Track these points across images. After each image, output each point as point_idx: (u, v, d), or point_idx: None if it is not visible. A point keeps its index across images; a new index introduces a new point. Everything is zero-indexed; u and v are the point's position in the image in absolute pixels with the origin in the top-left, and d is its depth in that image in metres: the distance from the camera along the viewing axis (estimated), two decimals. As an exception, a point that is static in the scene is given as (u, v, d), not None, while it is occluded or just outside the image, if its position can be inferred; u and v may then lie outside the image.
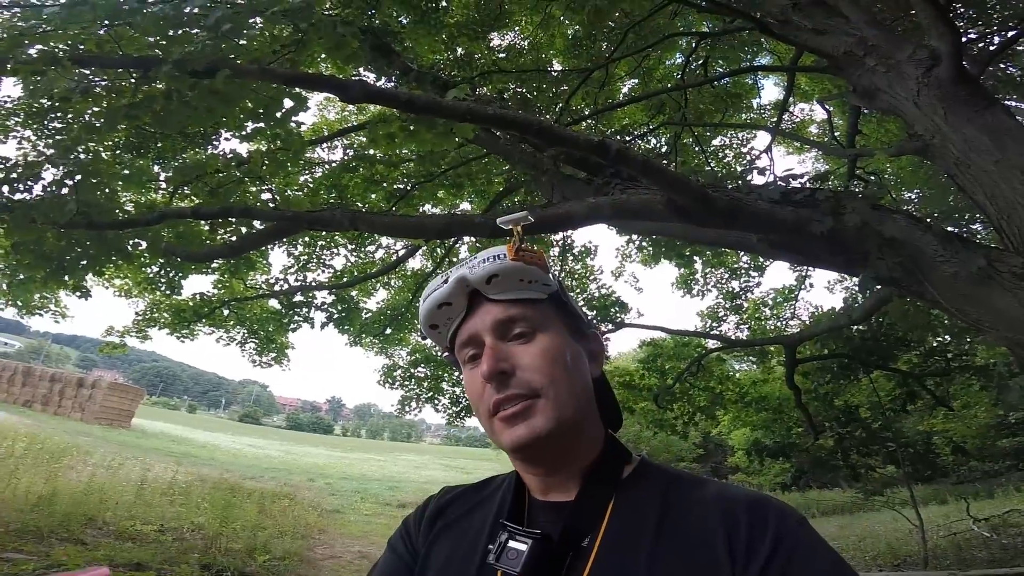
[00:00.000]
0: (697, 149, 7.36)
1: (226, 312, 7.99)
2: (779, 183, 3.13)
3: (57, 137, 5.74)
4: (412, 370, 9.35)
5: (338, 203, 6.52)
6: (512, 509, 0.68)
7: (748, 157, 7.70)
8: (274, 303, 8.20)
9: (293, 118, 3.28)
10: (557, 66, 6.95)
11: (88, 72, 3.75)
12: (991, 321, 2.66)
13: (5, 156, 4.77)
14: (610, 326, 7.46)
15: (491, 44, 6.82)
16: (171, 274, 6.46)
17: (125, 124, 3.72)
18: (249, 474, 13.64)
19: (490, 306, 0.67)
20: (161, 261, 6.08)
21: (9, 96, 5.60)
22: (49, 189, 3.94)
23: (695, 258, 7.74)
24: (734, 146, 8.11)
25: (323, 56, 5.66)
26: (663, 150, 7.24)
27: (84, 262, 4.02)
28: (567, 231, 7.22)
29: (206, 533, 5.85)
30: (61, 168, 3.93)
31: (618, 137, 7.31)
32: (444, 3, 5.90)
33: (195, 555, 4.94)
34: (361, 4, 5.28)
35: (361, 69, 5.66)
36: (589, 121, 6.64)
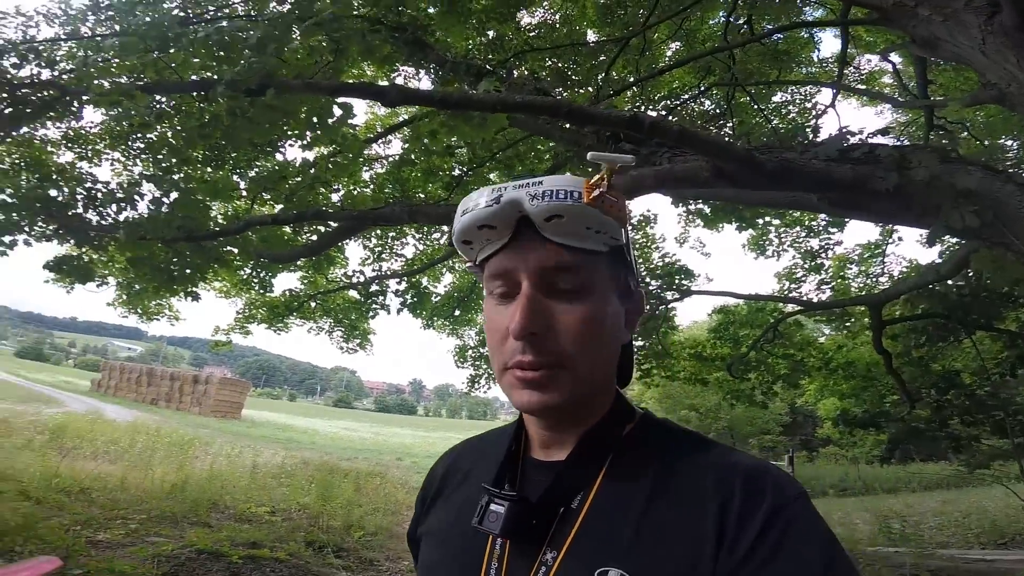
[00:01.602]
0: (756, 108, 6.93)
1: (313, 304, 8.69)
2: (836, 141, 2.97)
3: (143, 157, 6.50)
4: (481, 349, 9.66)
5: (400, 196, 6.85)
6: (501, 470, 0.64)
7: (814, 113, 7.15)
8: (354, 293, 8.80)
9: (345, 123, 3.51)
10: (593, 37, 6.78)
11: (158, 98, 4.23)
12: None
13: (103, 180, 5.48)
14: (675, 295, 7.29)
15: (521, 24, 6.76)
16: (262, 274, 7.12)
17: (200, 142, 4.15)
18: (345, 456, 14.70)
19: (540, 245, 0.57)
20: (252, 264, 6.72)
21: (92, 121, 6.37)
22: (151, 208, 4.50)
23: (766, 218, 7.33)
24: (797, 102, 7.54)
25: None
26: (716, 111, 6.89)
27: (189, 271, 4.57)
28: None
29: (310, 512, 6.43)
30: (157, 188, 4.47)
31: (667, 102, 7.04)
32: None
33: (301, 533, 5.44)
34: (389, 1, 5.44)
35: (399, 65, 5.84)
36: (634, 89, 6.44)
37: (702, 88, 6.77)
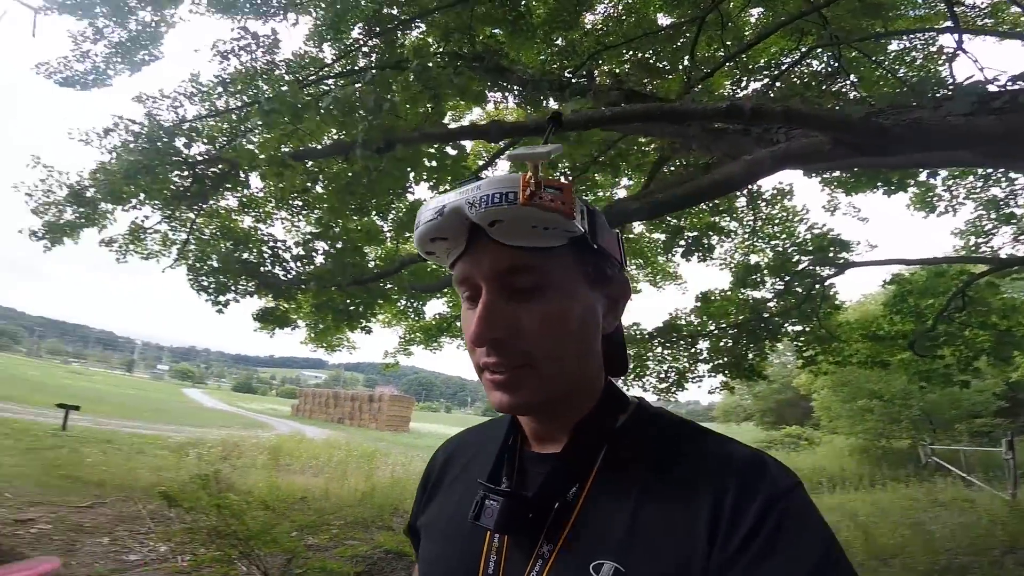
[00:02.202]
0: (872, 61, 5.98)
1: (459, 324, 9.50)
2: (968, 93, 2.58)
3: (303, 213, 7.73)
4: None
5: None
6: (497, 464, 0.65)
7: (944, 57, 5.96)
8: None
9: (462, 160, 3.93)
10: (665, 21, 6.44)
11: (308, 163, 5.08)
12: None
13: (280, 238, 6.69)
14: (831, 271, 6.55)
15: (587, 25, 6.64)
16: (415, 304, 8.02)
17: (348, 198, 4.89)
18: None
19: (492, 248, 0.56)
20: (406, 296, 7.61)
21: (258, 187, 7.71)
22: (325, 261, 5.40)
23: (921, 177, 6.28)
24: (919, 47, 6.35)
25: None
26: (828, 70, 6.09)
27: (362, 309, 5.39)
28: (733, 192, 6.66)
29: None
30: (323, 240, 5.35)
31: (768, 71, 6.40)
32: (524, 6, 5.97)
33: None
34: (459, 33, 5.76)
35: (487, 92, 6.16)
36: (727, 66, 5.98)
37: (803, 50, 6.06)
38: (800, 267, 7.09)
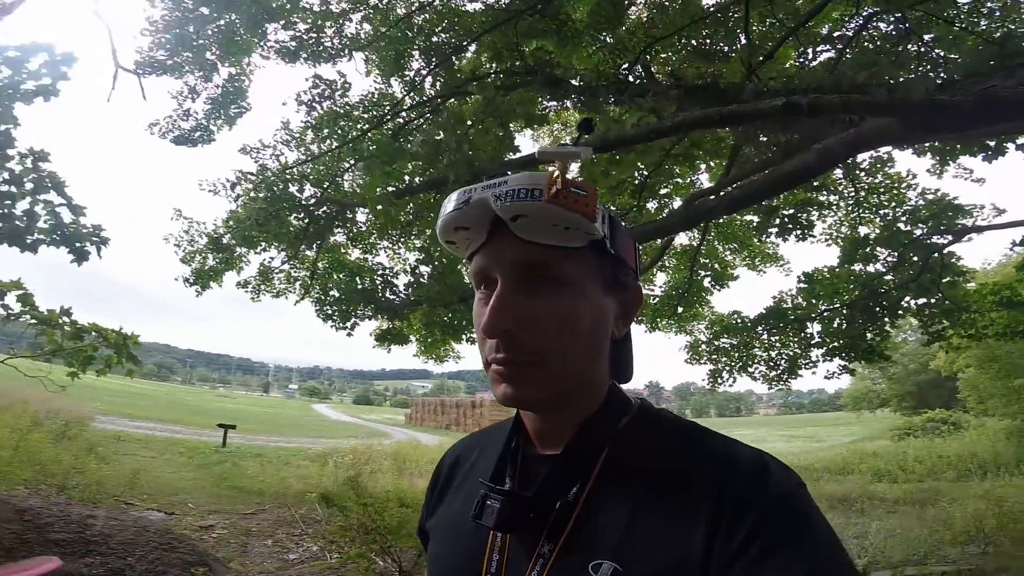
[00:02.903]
0: (941, 19, 5.28)
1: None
2: None
3: (403, 240, 8.51)
4: (716, 342, 9.33)
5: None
6: (500, 464, 0.65)
7: None
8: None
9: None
10: (711, 1, 6.17)
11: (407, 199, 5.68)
12: None
13: (388, 265, 7.48)
14: (949, 237, 5.95)
15: (632, 20, 6.49)
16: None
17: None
18: None
19: (513, 242, 0.57)
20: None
21: (363, 222, 8.52)
22: (432, 283, 6.00)
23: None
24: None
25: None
26: (898, 32, 5.47)
27: (465, 323, 5.94)
28: (807, 182, 6.23)
29: None
30: (427, 265, 5.94)
31: (834, 40, 5.89)
32: (565, 12, 5.98)
33: None
34: (509, 51, 5.93)
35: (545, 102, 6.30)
36: (790, 41, 5.60)
37: (864, 13, 5.48)
38: (915, 236, 6.51)
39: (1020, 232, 6.25)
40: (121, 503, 5.20)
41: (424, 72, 6.99)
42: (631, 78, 5.84)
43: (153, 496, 6.02)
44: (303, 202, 7.38)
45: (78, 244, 3.51)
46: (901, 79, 4.32)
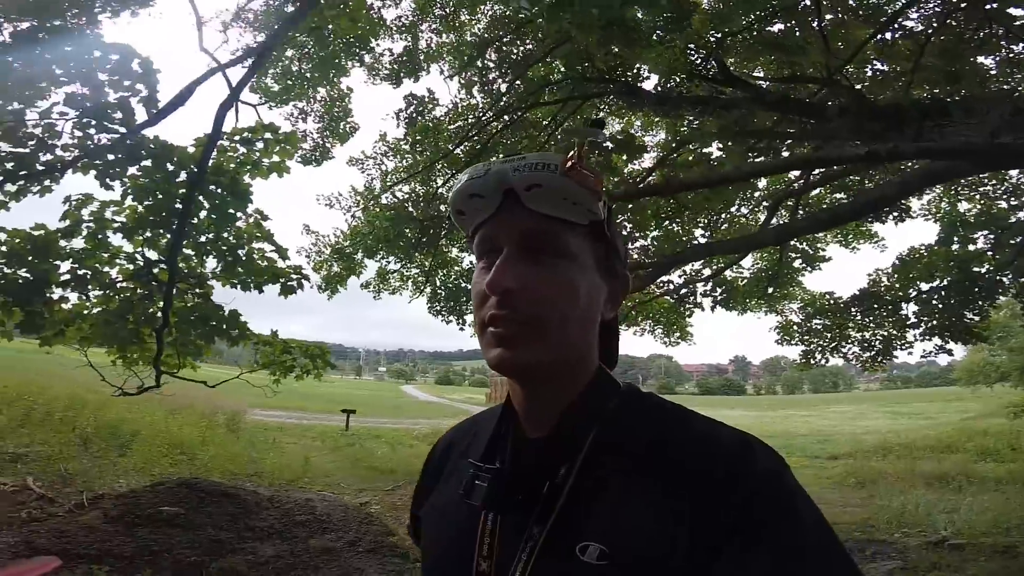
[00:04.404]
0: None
1: (633, 312, 10.41)
2: None
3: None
4: (808, 323, 9.45)
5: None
6: (490, 446, 0.67)
7: None
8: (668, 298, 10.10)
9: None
10: None
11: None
12: None
13: None
14: None
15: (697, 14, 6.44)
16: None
17: None
18: None
19: (522, 212, 0.60)
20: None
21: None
22: None
23: None
24: None
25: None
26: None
27: None
28: (883, 212, 6.13)
29: None
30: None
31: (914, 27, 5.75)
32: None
33: None
34: (579, 57, 6.27)
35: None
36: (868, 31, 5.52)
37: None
38: (1013, 220, 6.43)
39: None
40: (297, 487, 6.49)
41: (499, 80, 7.56)
42: (707, 78, 6.09)
43: (313, 479, 7.36)
44: (417, 216, 8.49)
45: (284, 280, 4.59)
46: (982, 88, 4.48)
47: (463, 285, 9.38)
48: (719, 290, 9.36)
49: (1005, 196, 6.92)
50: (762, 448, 0.57)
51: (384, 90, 9.98)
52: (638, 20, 4.96)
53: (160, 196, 3.62)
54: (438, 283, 10.07)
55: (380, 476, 8.40)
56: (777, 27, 5.93)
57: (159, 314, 3.87)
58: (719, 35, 5.83)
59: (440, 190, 8.93)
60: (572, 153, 0.59)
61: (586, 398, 0.63)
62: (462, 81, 7.85)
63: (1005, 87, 6.02)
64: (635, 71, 6.44)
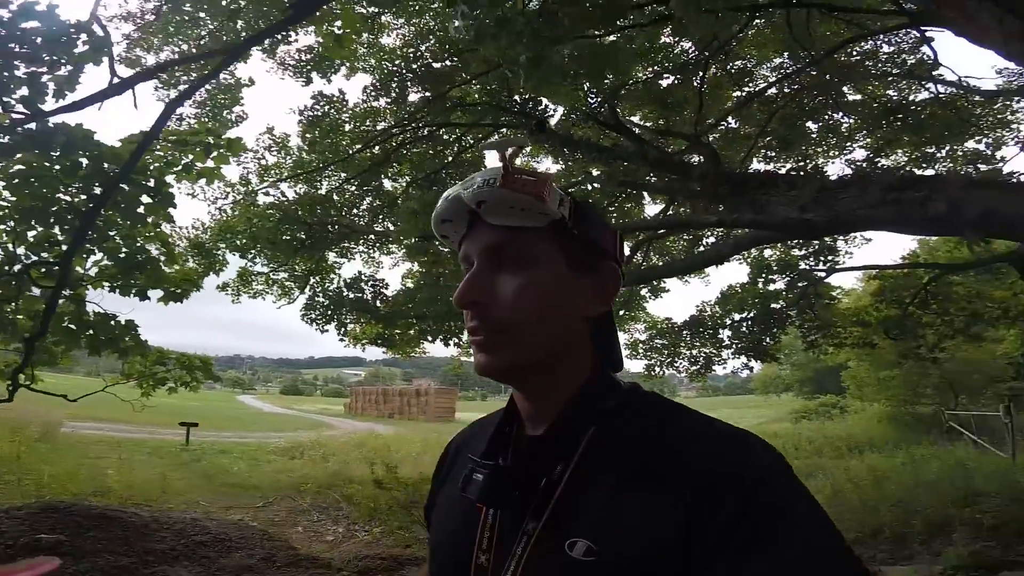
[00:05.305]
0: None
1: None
2: (880, 179, 4.01)
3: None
4: (651, 342, 11.15)
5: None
6: (491, 444, 0.68)
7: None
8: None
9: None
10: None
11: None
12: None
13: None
14: (822, 272, 7.92)
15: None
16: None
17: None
18: None
19: (484, 229, 0.64)
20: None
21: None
22: (424, 299, 7.19)
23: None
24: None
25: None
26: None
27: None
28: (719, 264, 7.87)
29: None
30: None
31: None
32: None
33: None
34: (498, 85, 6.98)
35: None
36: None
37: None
38: (801, 268, 8.52)
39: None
40: (160, 506, 5.85)
41: (412, 91, 7.67)
42: (600, 121, 7.07)
43: (169, 497, 6.68)
44: (307, 220, 8.23)
45: (170, 288, 4.29)
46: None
47: (346, 294, 9.25)
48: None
49: (797, 247, 9.04)
50: (761, 448, 0.56)
51: (280, 83, 9.38)
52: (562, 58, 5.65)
53: (44, 189, 3.19)
54: (317, 290, 9.78)
55: (243, 493, 7.87)
56: (666, 82, 7.25)
57: (22, 319, 3.40)
58: (619, 82, 6.60)
59: (333, 194, 8.80)
60: (503, 165, 0.62)
61: (583, 396, 0.64)
62: (375, 84, 7.84)
63: (820, 149, 8.07)
64: (543, 107, 7.20)
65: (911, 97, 7.83)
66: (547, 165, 9.58)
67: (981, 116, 7.60)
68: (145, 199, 3.42)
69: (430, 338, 9.06)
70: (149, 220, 3.71)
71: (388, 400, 34.84)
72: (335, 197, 9.04)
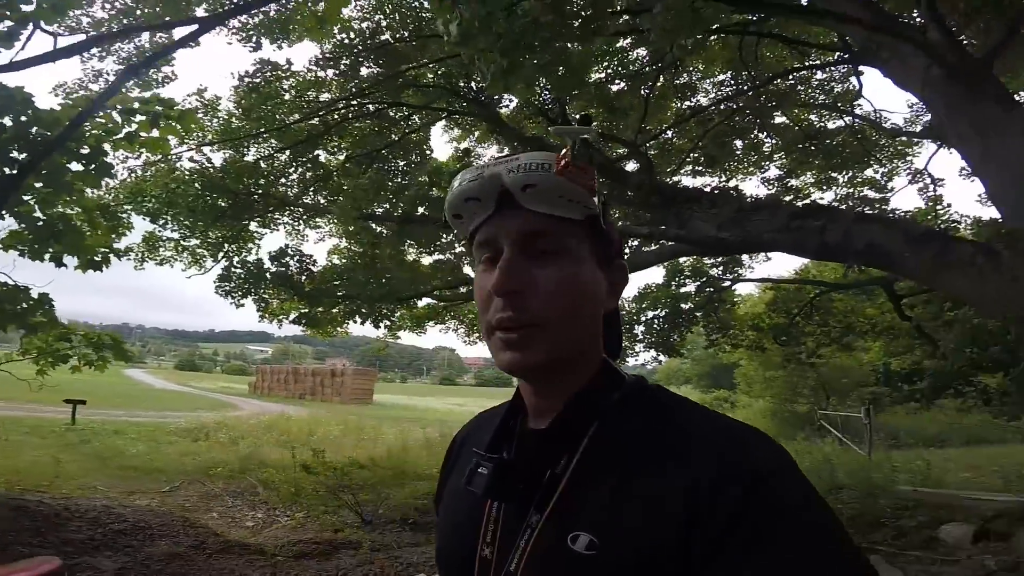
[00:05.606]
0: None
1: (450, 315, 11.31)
2: (785, 210, 4.60)
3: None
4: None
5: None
6: (495, 437, 0.68)
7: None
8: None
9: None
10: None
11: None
12: (949, 292, 3.91)
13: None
14: (728, 282, 8.84)
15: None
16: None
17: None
18: None
19: (519, 213, 0.61)
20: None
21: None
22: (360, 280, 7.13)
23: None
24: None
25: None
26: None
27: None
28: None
29: None
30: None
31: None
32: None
33: None
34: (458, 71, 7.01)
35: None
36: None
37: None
38: (709, 274, 9.43)
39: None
40: (60, 492, 5.32)
41: (364, 66, 7.47)
42: (549, 118, 7.31)
43: (64, 481, 6.13)
44: (232, 188, 7.75)
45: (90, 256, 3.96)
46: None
47: (267, 266, 8.83)
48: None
49: (709, 255, 9.96)
50: (764, 444, 0.55)
51: (217, 46, 8.60)
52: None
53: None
54: (234, 260, 9.25)
55: (145, 477, 7.38)
56: (616, 87, 7.60)
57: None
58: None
59: (261, 162, 8.35)
60: (565, 152, 0.61)
61: (590, 390, 0.63)
62: (326, 54, 7.48)
63: (741, 167, 8.87)
64: (496, 98, 7.27)
65: (828, 124, 8.85)
66: (492, 151, 9.73)
67: (882, 148, 8.73)
68: (76, 167, 3.14)
69: (359, 320, 8.90)
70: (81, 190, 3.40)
71: (299, 380, 33.11)
72: (262, 165, 8.59)
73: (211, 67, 7.64)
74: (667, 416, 0.60)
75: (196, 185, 7.53)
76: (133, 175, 8.44)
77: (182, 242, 9.43)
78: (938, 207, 7.91)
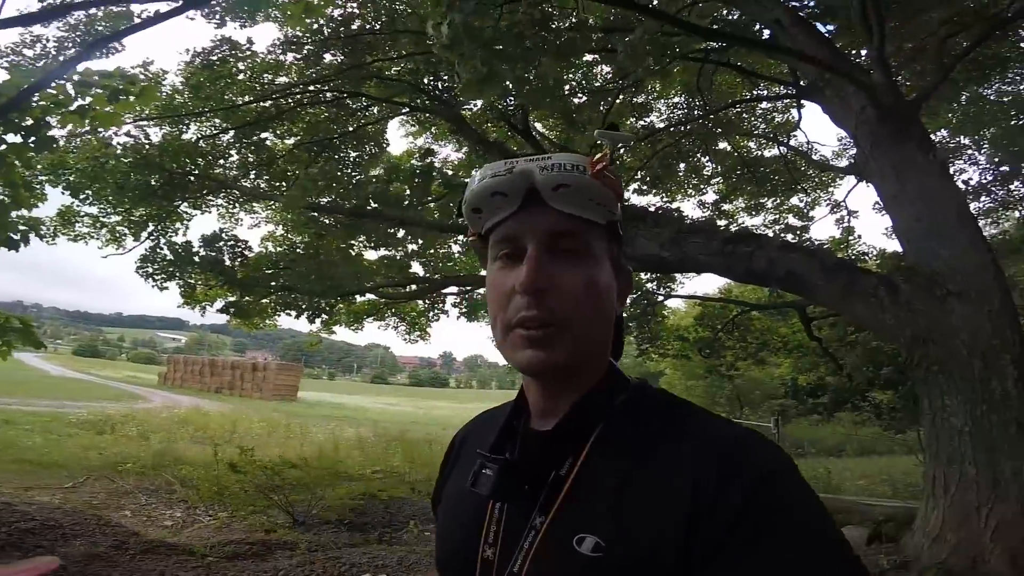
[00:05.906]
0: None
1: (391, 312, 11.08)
2: (723, 236, 4.97)
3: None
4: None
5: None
6: (499, 438, 0.68)
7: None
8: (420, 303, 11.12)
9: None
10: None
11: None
12: (853, 318, 4.41)
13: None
14: (661, 296, 9.42)
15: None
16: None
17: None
18: (397, 428, 16.89)
19: (547, 211, 0.61)
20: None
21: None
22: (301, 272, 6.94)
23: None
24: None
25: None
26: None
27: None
28: None
29: (399, 470, 8.63)
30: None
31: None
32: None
33: (407, 483, 7.65)
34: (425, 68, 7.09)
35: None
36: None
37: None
38: (645, 288, 9.98)
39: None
40: None
41: (327, 53, 7.28)
42: (513, 125, 7.42)
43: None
44: (167, 167, 7.28)
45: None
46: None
47: (195, 247, 8.32)
48: (464, 304, 10.98)
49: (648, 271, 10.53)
50: (764, 447, 0.56)
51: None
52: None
53: None
54: (160, 240, 8.66)
55: (42, 471, 6.76)
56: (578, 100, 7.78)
57: None
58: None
59: (200, 142, 7.88)
60: (601, 156, 0.62)
61: (595, 393, 0.64)
62: (289, 38, 7.18)
63: (683, 188, 9.38)
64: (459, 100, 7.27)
65: (765, 153, 9.52)
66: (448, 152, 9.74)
67: (808, 178, 9.51)
68: (12, 139, 2.85)
69: (293, 312, 8.57)
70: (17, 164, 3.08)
71: (216, 373, 30.90)
72: (202, 145, 8.12)
73: (157, 39, 7.08)
74: (670, 419, 0.61)
75: (126, 161, 7.00)
76: (55, 145, 7.74)
77: (101, 218, 8.75)
78: (851, 237, 8.83)
